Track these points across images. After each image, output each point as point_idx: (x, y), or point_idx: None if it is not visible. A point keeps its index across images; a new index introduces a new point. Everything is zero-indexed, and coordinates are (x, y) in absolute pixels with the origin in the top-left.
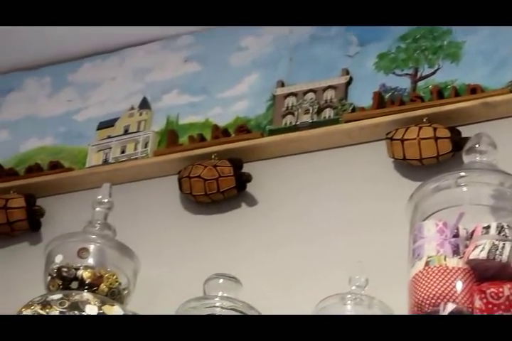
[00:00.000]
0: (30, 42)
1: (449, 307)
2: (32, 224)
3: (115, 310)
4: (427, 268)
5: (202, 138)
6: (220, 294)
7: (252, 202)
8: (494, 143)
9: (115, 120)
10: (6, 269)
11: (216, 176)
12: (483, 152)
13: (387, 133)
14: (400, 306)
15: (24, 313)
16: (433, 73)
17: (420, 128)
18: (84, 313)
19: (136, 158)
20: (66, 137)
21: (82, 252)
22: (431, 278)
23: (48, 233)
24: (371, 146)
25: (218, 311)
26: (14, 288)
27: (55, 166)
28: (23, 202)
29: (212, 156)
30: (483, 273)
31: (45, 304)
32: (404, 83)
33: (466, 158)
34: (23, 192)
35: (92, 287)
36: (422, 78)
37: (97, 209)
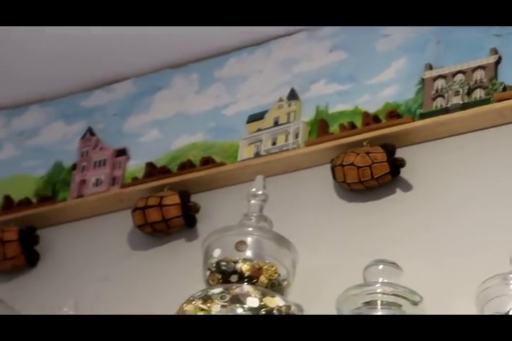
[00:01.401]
0: (177, 40)
1: None
2: (187, 220)
3: (276, 301)
4: None
5: (352, 126)
6: (380, 280)
7: (406, 187)
8: None
9: (264, 112)
10: (165, 266)
11: (369, 163)
12: None
13: None
14: None
15: (186, 309)
16: None
17: None
18: (245, 306)
19: (287, 149)
20: (216, 132)
21: (240, 245)
22: None
23: (203, 228)
24: None
25: (380, 297)
26: (174, 285)
27: (207, 162)
28: (177, 199)
29: (364, 143)
30: None
31: (206, 298)
32: None
33: None
34: (177, 189)
35: (252, 279)
36: None
37: (252, 201)
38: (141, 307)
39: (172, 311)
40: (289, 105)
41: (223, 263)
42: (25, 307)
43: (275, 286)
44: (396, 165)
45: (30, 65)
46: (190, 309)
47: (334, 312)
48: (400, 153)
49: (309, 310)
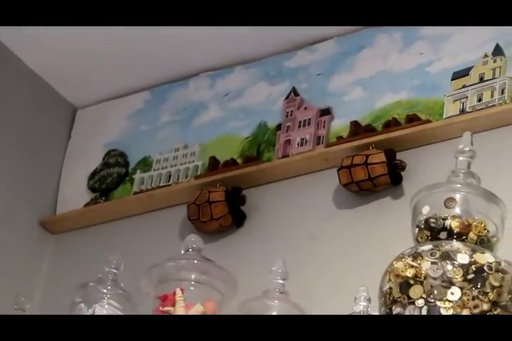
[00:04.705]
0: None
1: None
2: (394, 178)
3: (486, 257)
4: None
5: None
6: None
7: None
8: None
9: (469, 69)
10: (372, 224)
11: None
12: None
13: None
14: None
15: (396, 266)
16: None
17: None
18: (456, 262)
19: (493, 105)
20: (421, 90)
21: (449, 202)
22: None
23: (409, 186)
24: None
25: None
26: (381, 243)
27: (413, 119)
28: (383, 157)
29: None
30: None
31: (416, 256)
32: None
33: None
34: (383, 147)
35: (461, 236)
36: None
37: (460, 158)
38: (350, 264)
39: (381, 268)
40: (494, 61)
41: (432, 220)
42: (234, 266)
43: (484, 243)
44: None
45: (233, 29)
46: (400, 266)
47: None
48: None
49: None
